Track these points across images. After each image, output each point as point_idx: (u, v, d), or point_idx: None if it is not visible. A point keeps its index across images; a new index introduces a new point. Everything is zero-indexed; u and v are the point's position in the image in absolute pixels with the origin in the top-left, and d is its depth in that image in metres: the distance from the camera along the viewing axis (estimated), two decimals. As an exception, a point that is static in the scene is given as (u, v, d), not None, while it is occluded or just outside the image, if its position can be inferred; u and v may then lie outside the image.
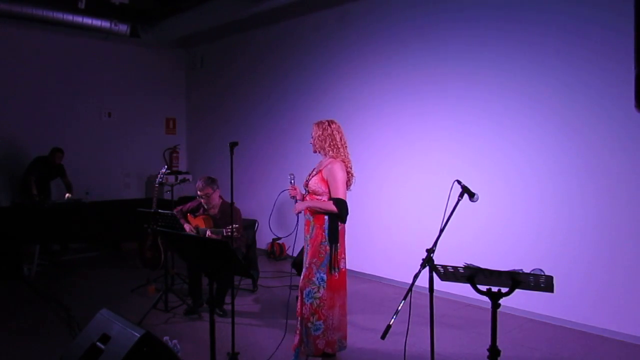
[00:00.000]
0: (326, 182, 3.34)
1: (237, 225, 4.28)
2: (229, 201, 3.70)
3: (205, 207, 4.73)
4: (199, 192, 4.64)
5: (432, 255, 2.53)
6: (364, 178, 5.27)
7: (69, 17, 6.82)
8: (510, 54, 4.66)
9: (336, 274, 3.35)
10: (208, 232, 4.50)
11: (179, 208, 4.87)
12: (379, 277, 5.81)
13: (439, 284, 2.64)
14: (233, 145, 3.43)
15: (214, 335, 2.89)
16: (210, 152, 8.47)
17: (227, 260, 2.83)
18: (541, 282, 2.16)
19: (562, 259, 4.30)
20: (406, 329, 2.89)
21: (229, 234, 4.15)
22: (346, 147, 3.47)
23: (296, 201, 3.45)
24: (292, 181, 3.47)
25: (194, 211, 4.83)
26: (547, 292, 2.22)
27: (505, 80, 4.70)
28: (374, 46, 5.87)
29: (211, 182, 4.66)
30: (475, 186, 2.82)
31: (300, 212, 3.42)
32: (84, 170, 7.55)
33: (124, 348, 2.53)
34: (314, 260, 3.33)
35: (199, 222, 4.69)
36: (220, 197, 4.81)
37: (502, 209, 4.73)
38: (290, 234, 3.55)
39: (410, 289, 2.51)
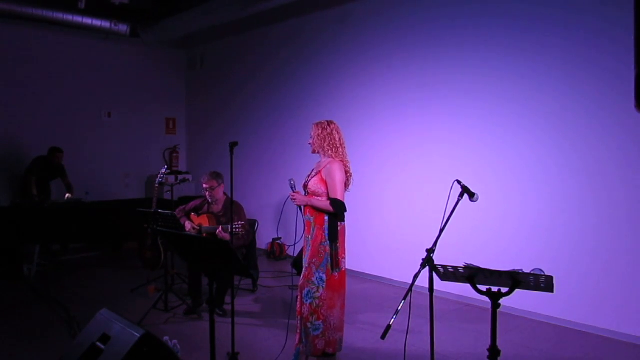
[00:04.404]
0: (325, 183, 3.34)
1: (242, 222, 4.31)
2: (233, 199, 3.74)
3: (210, 200, 4.74)
4: (204, 185, 4.69)
5: (432, 255, 2.53)
6: (365, 178, 5.29)
7: (69, 17, 6.82)
8: (510, 55, 4.66)
9: (336, 274, 3.35)
10: (219, 229, 4.49)
11: (181, 207, 4.88)
12: (379, 277, 5.81)
13: (439, 284, 2.64)
14: (233, 145, 3.43)
15: (214, 335, 2.89)
16: (210, 152, 8.47)
17: (227, 260, 2.83)
18: (541, 282, 2.16)
19: (562, 259, 4.30)
20: (406, 328, 2.89)
21: (238, 229, 4.19)
22: (345, 147, 3.47)
23: (300, 208, 3.46)
24: (293, 187, 3.47)
25: (197, 209, 4.84)
26: (547, 292, 2.22)
27: (505, 81, 4.70)
28: (375, 47, 5.87)
29: (216, 175, 4.72)
30: (475, 186, 2.82)
31: (300, 205, 3.42)
32: (84, 170, 7.55)
33: (124, 348, 2.53)
34: (314, 261, 3.34)
35: (202, 220, 4.70)
36: (225, 193, 4.83)
37: (503, 209, 4.73)
38: (297, 242, 3.55)
39: (410, 289, 2.51)
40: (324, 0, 6.37)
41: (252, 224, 5.33)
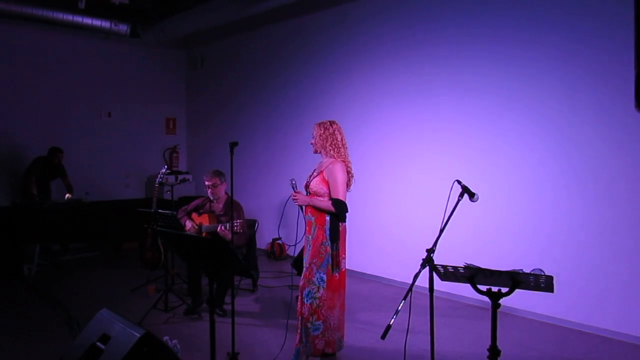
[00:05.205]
0: (327, 183, 3.35)
1: (240, 221, 4.33)
2: (233, 198, 3.78)
3: (211, 198, 4.76)
4: (206, 182, 4.72)
5: (432, 255, 2.53)
6: (365, 178, 5.28)
7: (69, 17, 6.82)
8: (511, 53, 4.66)
9: (337, 274, 3.36)
10: (220, 227, 4.51)
11: (184, 207, 4.89)
12: (379, 277, 5.81)
13: (439, 284, 2.64)
14: (233, 145, 3.43)
15: (214, 335, 2.89)
16: (210, 152, 8.47)
17: (227, 260, 2.83)
18: (541, 282, 2.16)
19: (562, 258, 4.30)
20: (406, 328, 2.89)
21: (236, 228, 4.20)
22: (347, 147, 3.48)
23: (301, 208, 3.47)
24: (295, 187, 3.47)
25: (199, 209, 4.86)
26: (547, 292, 2.22)
27: (507, 79, 4.69)
28: (375, 46, 5.87)
29: (219, 173, 4.77)
30: (476, 186, 2.82)
31: (302, 205, 3.43)
32: (84, 170, 7.55)
33: (124, 348, 2.53)
34: (314, 261, 3.34)
35: (203, 219, 4.71)
36: (226, 192, 4.85)
37: (503, 209, 4.73)
38: (298, 242, 3.56)
39: (410, 289, 2.51)
40: (323, 0, 6.38)
41: (252, 224, 5.34)
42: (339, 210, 3.32)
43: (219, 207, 4.81)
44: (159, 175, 5.15)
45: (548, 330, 4.25)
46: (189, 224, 4.69)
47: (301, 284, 3.39)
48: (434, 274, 2.49)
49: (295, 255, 4.71)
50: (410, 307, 2.66)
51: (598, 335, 4.08)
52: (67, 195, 6.60)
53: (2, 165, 7.13)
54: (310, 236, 3.41)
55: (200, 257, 3.05)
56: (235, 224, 4.21)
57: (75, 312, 4.52)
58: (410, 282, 2.53)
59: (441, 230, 2.62)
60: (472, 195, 2.74)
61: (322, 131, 3.43)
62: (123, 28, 7.36)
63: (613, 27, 4.00)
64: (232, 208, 3.86)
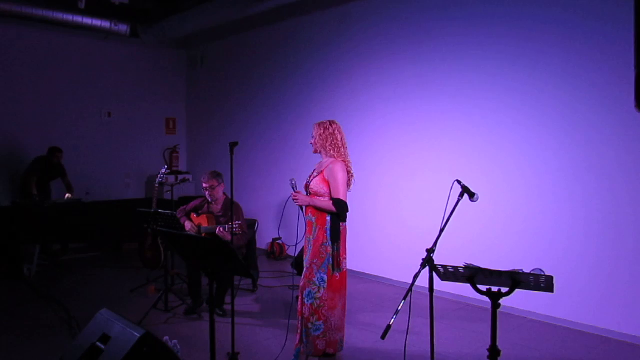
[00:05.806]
0: (328, 183, 3.35)
1: (240, 222, 4.31)
2: (233, 199, 3.76)
3: (210, 199, 4.75)
4: (204, 184, 4.70)
5: (432, 255, 2.53)
6: (365, 178, 5.29)
7: (69, 17, 6.83)
8: (511, 52, 4.65)
9: (337, 274, 3.35)
10: (219, 229, 4.50)
11: (182, 207, 4.89)
12: (379, 277, 5.81)
13: (439, 284, 2.64)
14: (233, 145, 3.43)
15: (214, 335, 2.89)
16: (211, 152, 8.47)
17: (227, 260, 2.83)
18: (541, 282, 2.16)
19: (562, 258, 4.30)
20: (406, 328, 2.89)
21: (235, 229, 4.20)
22: (347, 147, 3.48)
23: (301, 208, 3.46)
24: (295, 187, 3.46)
25: (197, 209, 4.85)
26: (547, 292, 2.22)
27: (506, 78, 4.69)
28: (375, 46, 5.87)
29: (216, 175, 4.74)
30: (476, 186, 2.82)
31: (302, 205, 3.42)
32: (84, 170, 7.55)
33: (124, 348, 2.53)
34: (315, 261, 3.34)
35: (201, 220, 4.70)
36: (224, 193, 4.84)
37: (503, 209, 4.72)
38: (299, 242, 3.55)
39: (410, 289, 2.51)
40: (324, 0, 6.38)
41: (252, 224, 5.34)
42: (340, 210, 3.32)
43: (217, 208, 4.80)
44: (159, 175, 5.15)
45: (548, 330, 4.25)
46: (188, 225, 4.68)
47: (302, 284, 3.39)
48: (434, 274, 2.49)
49: (296, 255, 4.71)
50: (410, 308, 2.67)
51: (598, 336, 4.08)
52: (67, 195, 6.60)
53: (2, 165, 7.13)
54: (311, 236, 3.41)
55: (200, 257, 3.05)
56: (235, 225, 4.21)
57: (75, 312, 4.52)
58: (410, 282, 2.53)
59: (441, 230, 2.62)
60: (472, 195, 2.74)
61: (322, 131, 3.43)
62: (123, 28, 7.36)
63: (614, 26, 4.00)
64: (232, 210, 3.85)
